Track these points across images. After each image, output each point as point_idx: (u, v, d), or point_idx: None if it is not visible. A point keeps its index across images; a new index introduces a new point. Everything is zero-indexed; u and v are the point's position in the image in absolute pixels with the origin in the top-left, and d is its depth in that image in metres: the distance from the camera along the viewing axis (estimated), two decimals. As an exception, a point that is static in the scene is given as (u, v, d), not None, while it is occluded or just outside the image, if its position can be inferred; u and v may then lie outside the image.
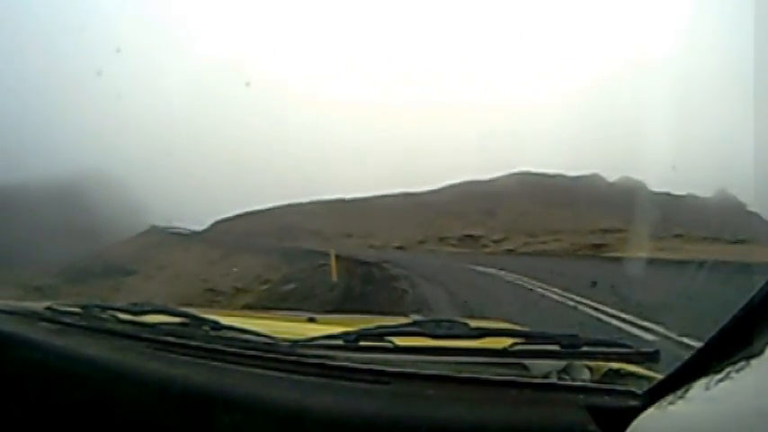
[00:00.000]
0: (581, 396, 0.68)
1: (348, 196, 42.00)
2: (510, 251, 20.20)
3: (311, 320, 1.40)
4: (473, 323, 0.92)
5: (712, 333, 0.58)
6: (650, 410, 0.61)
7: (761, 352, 0.52)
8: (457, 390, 0.72)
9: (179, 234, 29.62)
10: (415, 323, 1.01)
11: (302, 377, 0.76)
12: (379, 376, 0.75)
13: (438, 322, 0.90)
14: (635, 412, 0.62)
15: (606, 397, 0.68)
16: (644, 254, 10.73)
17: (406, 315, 1.61)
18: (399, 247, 24.07)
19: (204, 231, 36.20)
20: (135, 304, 1.04)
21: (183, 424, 0.75)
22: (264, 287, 10.43)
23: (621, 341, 0.82)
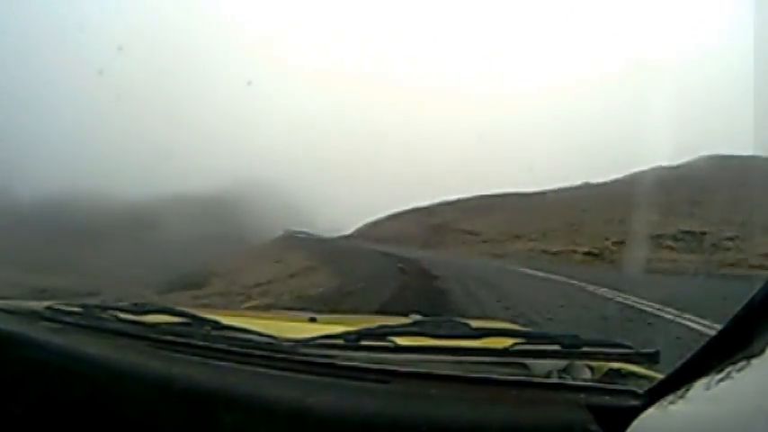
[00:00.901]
0: (582, 395, 0.68)
1: (517, 190, 35.40)
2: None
3: (312, 320, 1.40)
4: (474, 323, 0.92)
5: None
6: (651, 410, 0.61)
7: (761, 352, 0.51)
8: (458, 389, 0.73)
9: (304, 239, 28.63)
10: (416, 323, 1.01)
11: (303, 376, 0.76)
12: (380, 375, 0.75)
13: (439, 322, 0.90)
14: (636, 412, 0.62)
15: (607, 396, 0.68)
16: None
17: (406, 315, 1.59)
18: (590, 253, 16.50)
19: (339, 236, 35.09)
20: (136, 304, 1.05)
21: (184, 423, 0.75)
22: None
23: (622, 341, 0.81)
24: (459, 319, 0.96)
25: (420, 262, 12.95)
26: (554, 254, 17.86)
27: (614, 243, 17.41)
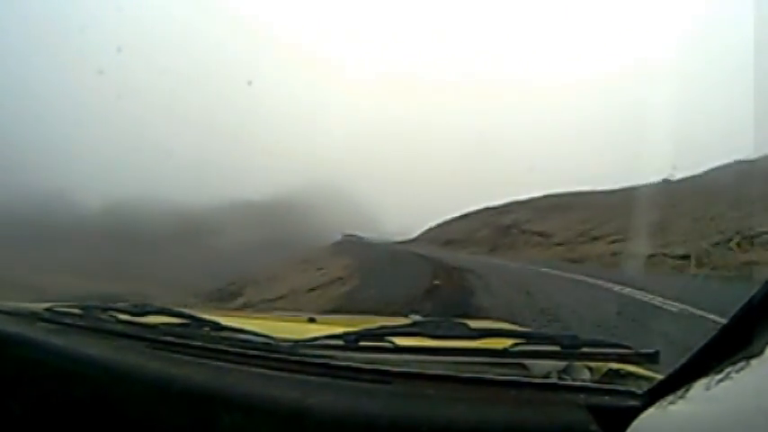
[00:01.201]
0: (581, 396, 0.68)
1: (593, 188, 31.79)
2: None
3: (311, 321, 1.40)
4: (473, 324, 0.91)
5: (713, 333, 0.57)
6: (651, 410, 0.61)
7: (761, 352, 0.51)
8: (458, 389, 0.72)
9: (357, 244, 27.55)
10: (415, 324, 1.00)
11: (303, 377, 0.76)
12: (379, 376, 0.75)
13: (438, 323, 0.89)
14: (635, 412, 0.62)
15: (607, 397, 0.68)
16: None
17: (405, 316, 1.51)
18: (684, 257, 13.36)
19: (402, 240, 34.52)
20: (135, 305, 1.05)
21: (184, 423, 0.74)
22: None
23: (621, 342, 0.80)
24: (457, 319, 0.96)
25: (466, 276, 10.85)
26: (634, 258, 16.30)
27: (711, 245, 15.36)
